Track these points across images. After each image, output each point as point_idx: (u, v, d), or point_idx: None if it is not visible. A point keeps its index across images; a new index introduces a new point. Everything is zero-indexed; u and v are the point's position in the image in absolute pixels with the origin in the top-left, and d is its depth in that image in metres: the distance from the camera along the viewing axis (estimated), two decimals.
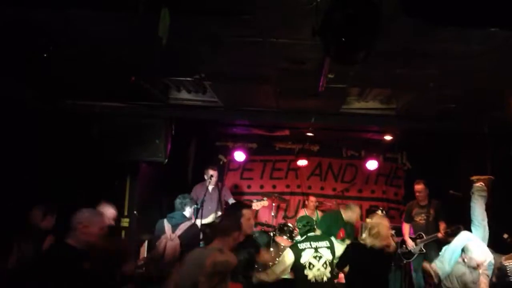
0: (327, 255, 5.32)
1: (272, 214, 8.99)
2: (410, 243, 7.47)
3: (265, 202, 8.40)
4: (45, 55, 4.28)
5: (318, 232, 6.51)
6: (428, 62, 4.28)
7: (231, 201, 8.15)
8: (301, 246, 5.37)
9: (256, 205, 8.29)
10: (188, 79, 5.51)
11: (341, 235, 7.55)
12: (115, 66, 4.98)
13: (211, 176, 7.75)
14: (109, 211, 5.54)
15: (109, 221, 5.33)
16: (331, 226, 7.60)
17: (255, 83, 5.45)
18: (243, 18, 3.48)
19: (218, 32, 3.85)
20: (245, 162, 10.01)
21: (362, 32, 2.60)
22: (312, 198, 9.25)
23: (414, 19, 2.99)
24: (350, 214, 7.61)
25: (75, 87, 5.95)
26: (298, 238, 7.88)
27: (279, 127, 8.84)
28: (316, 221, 7.67)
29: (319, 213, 9.01)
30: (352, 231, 7.82)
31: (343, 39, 2.57)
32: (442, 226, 7.15)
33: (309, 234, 5.49)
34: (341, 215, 7.76)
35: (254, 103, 6.65)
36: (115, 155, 6.84)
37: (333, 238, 6.36)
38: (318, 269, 5.21)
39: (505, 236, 6.22)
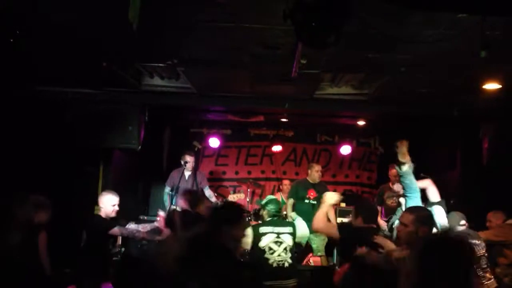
0: (288, 241, 5.14)
1: (247, 199, 9.03)
2: (383, 224, 7.61)
3: (242, 195, 8.45)
4: (11, 40, 4.18)
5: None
6: (399, 46, 4.34)
7: (207, 189, 8.11)
8: (262, 229, 5.13)
9: (232, 197, 8.31)
10: (161, 65, 5.46)
11: (313, 194, 7.67)
12: (87, 51, 4.90)
13: (186, 162, 7.71)
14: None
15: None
16: (298, 191, 7.72)
17: (228, 68, 5.44)
18: (216, 2, 3.47)
19: (191, 16, 3.82)
20: (220, 148, 10.02)
21: (333, 15, 2.63)
22: (286, 182, 9.33)
23: (384, 3, 3.02)
24: None
25: (46, 73, 5.84)
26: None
27: (254, 113, 8.85)
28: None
29: (284, 199, 9.10)
30: (324, 190, 7.90)
31: (314, 22, 2.59)
32: None
33: (274, 219, 5.28)
34: (308, 180, 7.89)
35: (228, 89, 6.65)
36: (87, 142, 6.77)
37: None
38: (279, 255, 5.05)
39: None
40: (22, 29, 4.19)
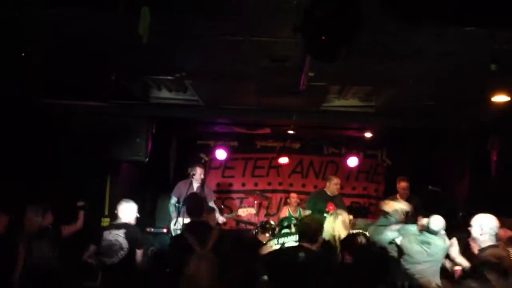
0: None
1: (254, 212, 9.00)
2: None
3: (252, 210, 8.37)
4: (23, 54, 4.22)
5: (292, 229, 6.55)
6: (406, 59, 4.34)
7: (212, 204, 8.02)
8: (269, 243, 5.41)
9: (242, 212, 8.24)
10: (169, 77, 5.49)
11: (331, 208, 7.64)
12: (95, 64, 4.93)
13: (194, 174, 7.71)
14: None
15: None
16: (317, 203, 7.68)
17: (236, 81, 5.45)
18: (225, 16, 3.48)
19: (199, 30, 3.84)
20: (227, 160, 10.01)
21: (342, 29, 2.64)
22: (293, 195, 9.30)
23: (393, 18, 3.03)
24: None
25: (55, 85, 5.87)
26: None
27: (260, 125, 8.86)
28: (297, 218, 7.75)
29: (301, 210, 9.05)
30: (341, 203, 7.89)
31: (324, 36, 2.60)
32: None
33: (282, 231, 5.49)
34: (326, 192, 7.84)
35: (235, 101, 6.66)
36: (95, 154, 6.79)
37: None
38: None
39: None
40: (33, 43, 4.23)
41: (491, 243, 4.24)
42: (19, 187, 5.82)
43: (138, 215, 5.64)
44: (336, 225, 5.41)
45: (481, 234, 4.26)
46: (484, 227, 4.25)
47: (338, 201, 7.81)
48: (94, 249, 5.50)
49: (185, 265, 4.48)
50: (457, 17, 2.99)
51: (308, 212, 7.78)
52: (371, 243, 4.37)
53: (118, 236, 5.42)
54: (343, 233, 5.22)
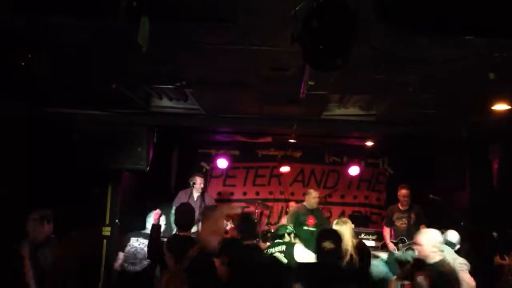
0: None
1: (255, 220, 8.97)
2: (392, 247, 7.52)
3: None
4: (23, 63, 4.24)
5: (286, 238, 6.52)
6: (406, 67, 4.34)
7: None
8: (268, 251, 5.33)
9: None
10: (170, 86, 5.50)
11: (311, 222, 7.63)
12: (97, 73, 4.95)
13: (194, 183, 7.72)
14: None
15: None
16: (298, 217, 7.69)
17: (236, 90, 5.47)
18: (224, 26, 3.50)
19: (199, 39, 3.86)
20: (228, 169, 10.02)
21: (339, 38, 2.65)
22: (291, 204, 9.31)
23: (390, 26, 3.04)
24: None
25: (56, 94, 5.89)
26: None
27: (262, 133, 8.87)
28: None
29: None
30: (321, 216, 7.90)
31: (321, 46, 2.61)
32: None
33: (275, 241, 5.39)
34: (306, 206, 7.84)
35: (236, 110, 6.67)
36: (96, 163, 6.79)
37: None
38: None
39: (495, 234, 6.36)
40: (33, 51, 4.26)
41: (440, 257, 4.24)
42: (20, 196, 5.82)
43: (165, 226, 5.59)
44: (348, 232, 5.39)
45: (432, 251, 4.25)
46: (433, 242, 4.26)
47: (317, 214, 7.85)
48: (124, 257, 5.46)
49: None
50: (455, 25, 2.99)
51: (290, 225, 7.77)
52: (338, 249, 4.15)
53: (145, 245, 5.41)
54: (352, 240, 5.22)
